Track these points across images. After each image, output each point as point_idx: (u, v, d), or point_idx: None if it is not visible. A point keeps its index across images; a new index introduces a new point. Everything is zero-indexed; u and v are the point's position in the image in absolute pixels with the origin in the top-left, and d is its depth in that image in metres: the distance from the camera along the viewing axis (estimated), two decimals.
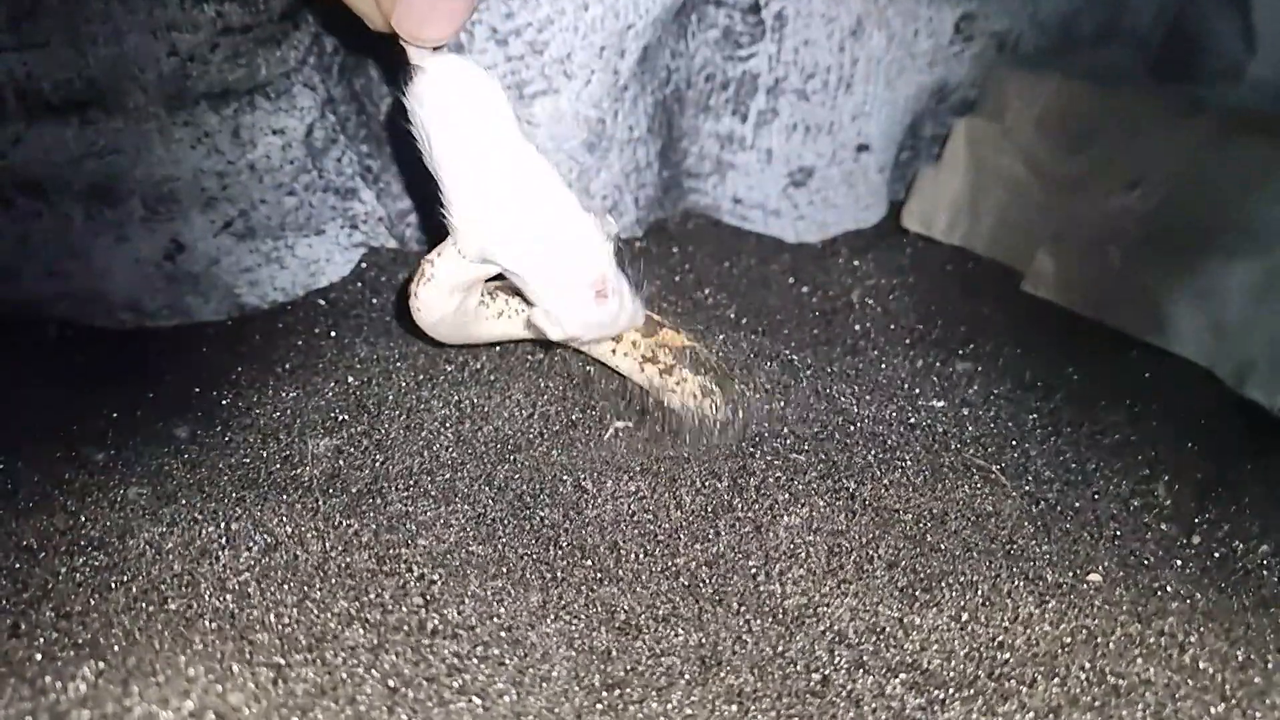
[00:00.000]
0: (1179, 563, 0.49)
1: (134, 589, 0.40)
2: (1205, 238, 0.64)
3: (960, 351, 0.66)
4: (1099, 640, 0.43)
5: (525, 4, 0.60)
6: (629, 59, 0.64)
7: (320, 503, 0.48)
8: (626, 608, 0.44)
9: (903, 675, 0.41)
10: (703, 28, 0.71)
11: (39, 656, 0.36)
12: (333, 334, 0.63)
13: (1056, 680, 0.41)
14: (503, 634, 0.41)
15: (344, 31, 0.64)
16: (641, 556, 0.48)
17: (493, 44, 0.61)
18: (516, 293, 0.51)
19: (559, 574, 0.46)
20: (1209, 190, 0.65)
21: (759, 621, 0.44)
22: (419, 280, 0.49)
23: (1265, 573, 0.49)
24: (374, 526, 0.46)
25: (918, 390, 0.61)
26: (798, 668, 0.42)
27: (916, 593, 0.45)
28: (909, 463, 0.54)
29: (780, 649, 0.43)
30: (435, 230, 0.70)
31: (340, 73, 0.65)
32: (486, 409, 0.56)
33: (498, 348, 0.61)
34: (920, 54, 0.74)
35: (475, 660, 0.40)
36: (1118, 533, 0.51)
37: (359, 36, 0.65)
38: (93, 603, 0.40)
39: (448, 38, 0.46)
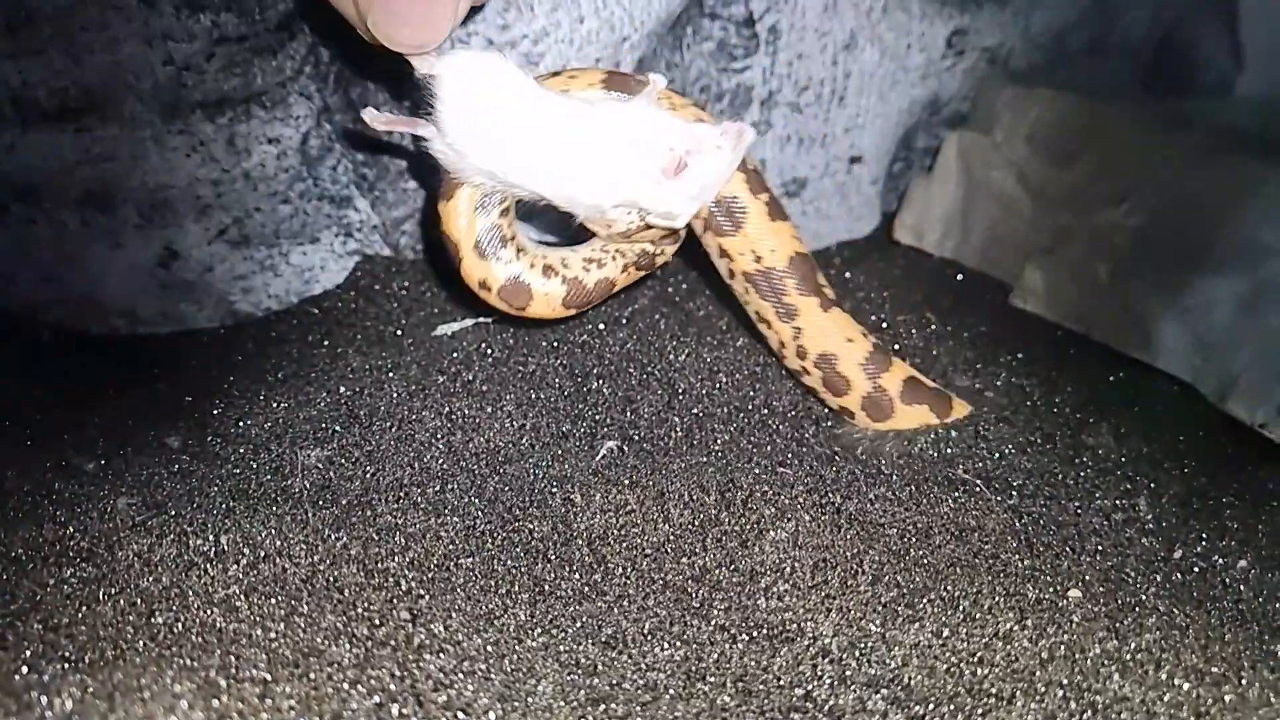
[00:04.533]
0: (1159, 578, 0.50)
1: (122, 601, 0.41)
2: (1191, 253, 0.65)
3: (949, 364, 0.67)
4: (1077, 657, 0.43)
5: (520, 16, 0.60)
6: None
7: (310, 515, 0.48)
8: (613, 622, 0.45)
9: (884, 690, 0.42)
10: (698, 40, 0.71)
11: (25, 670, 0.36)
12: (325, 343, 0.63)
13: (1035, 697, 0.41)
14: (489, 649, 0.42)
15: (340, 41, 0.64)
16: (629, 570, 0.48)
17: None
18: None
19: (546, 588, 0.46)
20: (1196, 206, 0.65)
21: (743, 636, 0.45)
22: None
23: (1243, 588, 0.50)
24: (363, 539, 0.47)
25: None
26: (781, 683, 0.42)
27: (899, 608, 0.46)
28: (895, 477, 0.54)
29: (764, 664, 0.43)
30: (431, 238, 0.70)
31: (336, 82, 0.65)
32: (478, 420, 0.56)
33: (490, 358, 0.61)
34: (913, 68, 0.74)
35: (461, 675, 0.40)
36: (1099, 548, 0.51)
37: (355, 46, 0.66)
38: (80, 615, 0.40)
39: (434, 41, 0.41)
